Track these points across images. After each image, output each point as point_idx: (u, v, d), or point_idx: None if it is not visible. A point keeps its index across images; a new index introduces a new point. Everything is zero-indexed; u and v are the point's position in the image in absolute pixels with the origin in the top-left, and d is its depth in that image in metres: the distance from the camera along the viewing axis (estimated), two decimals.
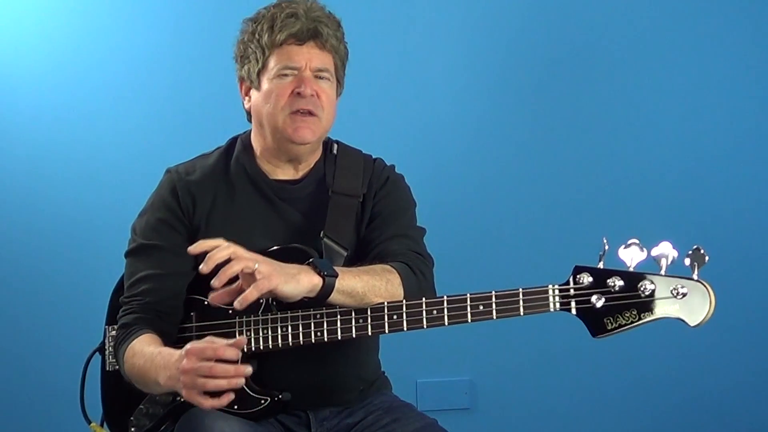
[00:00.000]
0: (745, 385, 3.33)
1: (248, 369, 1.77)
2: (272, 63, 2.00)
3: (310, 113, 1.99)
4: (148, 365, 1.88)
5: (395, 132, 3.19)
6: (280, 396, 1.95)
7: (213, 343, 1.77)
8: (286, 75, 2.00)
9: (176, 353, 1.82)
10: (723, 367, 3.32)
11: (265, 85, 2.01)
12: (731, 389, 3.32)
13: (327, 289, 1.83)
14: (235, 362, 1.77)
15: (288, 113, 1.99)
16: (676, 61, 3.29)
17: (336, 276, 1.83)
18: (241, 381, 1.78)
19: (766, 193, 3.31)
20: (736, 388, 3.32)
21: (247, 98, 2.08)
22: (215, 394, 1.76)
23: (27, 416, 3.14)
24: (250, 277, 1.78)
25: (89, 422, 2.17)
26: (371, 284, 1.88)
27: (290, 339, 1.91)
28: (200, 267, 1.79)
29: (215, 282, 1.77)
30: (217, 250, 1.79)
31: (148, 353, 1.90)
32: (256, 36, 2.02)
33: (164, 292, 2.01)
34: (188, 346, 1.79)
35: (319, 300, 1.84)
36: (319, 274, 1.82)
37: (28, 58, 3.14)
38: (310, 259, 1.87)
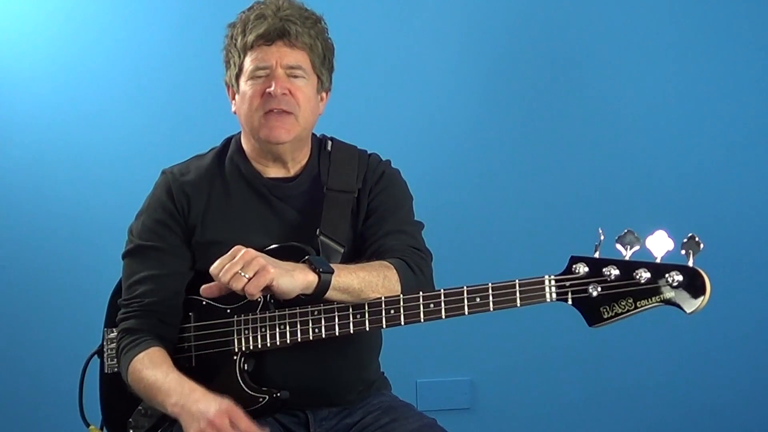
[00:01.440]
0: (743, 380, 3.32)
1: None
2: (246, 65, 2.02)
3: (284, 112, 1.99)
4: (159, 385, 1.90)
5: (392, 128, 3.19)
6: (278, 394, 1.95)
7: (248, 421, 1.82)
8: (259, 76, 2.00)
9: (203, 394, 1.85)
10: (722, 364, 3.31)
11: (242, 87, 2.03)
12: (730, 385, 3.31)
13: (323, 286, 1.83)
14: None
15: (262, 114, 2.00)
16: (666, 53, 3.30)
17: (332, 273, 1.84)
18: None
19: (761, 184, 3.32)
20: (735, 383, 3.32)
21: (233, 102, 2.09)
22: None
23: (26, 419, 3.13)
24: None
25: (88, 425, 2.16)
26: (368, 280, 1.88)
27: (288, 337, 1.91)
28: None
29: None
30: (230, 266, 1.79)
31: (160, 375, 1.91)
32: (233, 40, 2.04)
33: (163, 293, 2.02)
34: (225, 403, 1.82)
35: (316, 297, 1.84)
36: (314, 271, 1.83)
37: (26, 61, 3.15)
38: (306, 257, 1.87)
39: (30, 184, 3.15)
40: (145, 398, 1.96)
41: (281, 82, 1.99)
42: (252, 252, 1.79)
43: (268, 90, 1.98)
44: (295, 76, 2.01)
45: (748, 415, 3.33)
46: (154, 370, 1.92)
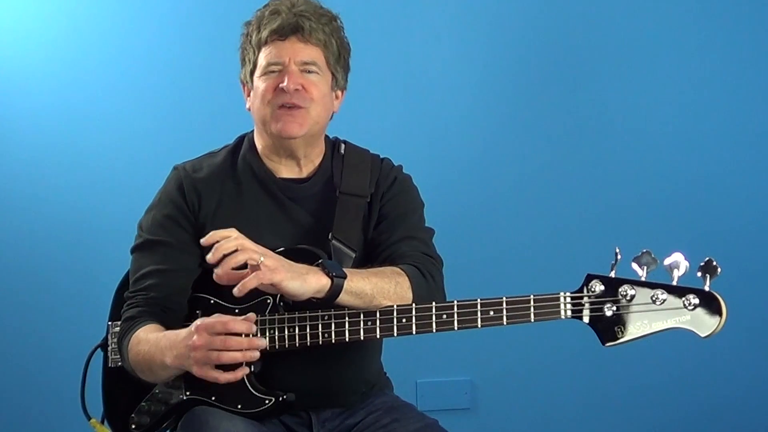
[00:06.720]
0: (751, 396, 3.33)
1: (262, 341, 1.78)
2: (260, 61, 2.02)
3: (296, 106, 1.98)
4: (153, 350, 1.89)
5: (405, 133, 3.18)
6: (284, 396, 1.95)
7: (221, 318, 1.80)
8: (272, 71, 2.00)
9: (182, 332, 1.84)
10: (728, 376, 3.32)
11: (256, 82, 2.02)
12: (736, 398, 3.32)
13: (335, 290, 1.83)
14: (247, 335, 1.80)
15: (273, 108, 1.99)
16: (693, 68, 3.29)
17: (344, 277, 1.83)
18: (256, 354, 1.80)
19: None
20: (742, 397, 3.32)
21: (248, 99, 2.09)
22: (229, 368, 1.78)
23: (27, 412, 3.13)
24: (257, 269, 1.78)
25: (89, 418, 2.15)
26: (380, 286, 1.87)
27: (297, 340, 1.90)
28: (207, 256, 1.80)
29: (218, 270, 1.79)
30: (225, 241, 1.80)
31: (152, 338, 1.91)
32: (248, 37, 2.04)
33: (169, 288, 2.01)
34: (197, 322, 1.81)
35: (328, 301, 1.84)
36: (327, 275, 1.82)
37: (32, 60, 3.13)
38: (320, 261, 1.86)
39: (36, 181, 3.13)
40: (148, 373, 1.95)
41: (294, 78, 1.98)
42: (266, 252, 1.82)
43: (281, 85, 1.98)
44: (309, 72, 2.01)
45: (752, 426, 3.34)
46: (148, 337, 1.92)
